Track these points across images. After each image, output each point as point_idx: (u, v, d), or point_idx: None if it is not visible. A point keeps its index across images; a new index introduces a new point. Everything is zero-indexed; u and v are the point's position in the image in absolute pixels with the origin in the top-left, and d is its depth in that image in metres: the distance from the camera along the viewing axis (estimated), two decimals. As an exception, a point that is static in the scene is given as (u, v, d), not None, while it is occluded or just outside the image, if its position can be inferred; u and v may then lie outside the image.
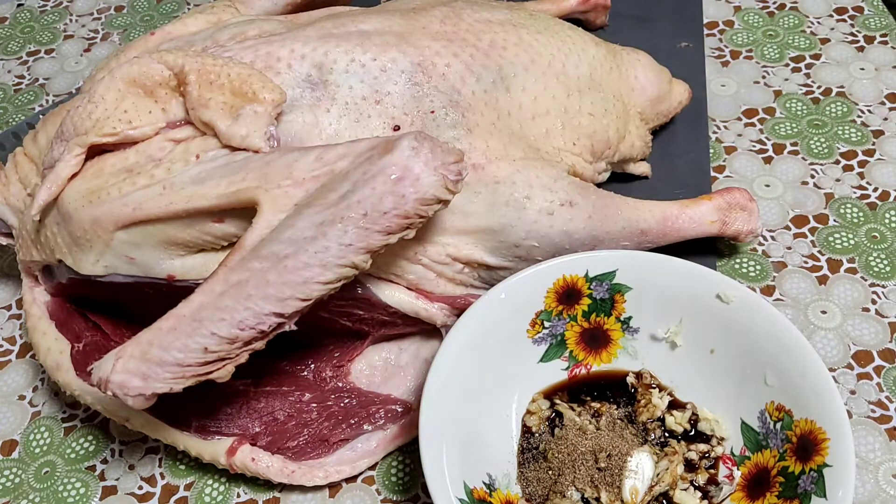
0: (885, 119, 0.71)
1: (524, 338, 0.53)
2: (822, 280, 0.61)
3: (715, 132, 0.71)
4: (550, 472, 0.50)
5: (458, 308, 0.53)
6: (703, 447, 0.50)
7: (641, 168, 0.65)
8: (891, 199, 0.65)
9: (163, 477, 0.54)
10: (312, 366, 0.56)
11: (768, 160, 0.69)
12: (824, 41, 0.77)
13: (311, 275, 0.44)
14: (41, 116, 0.71)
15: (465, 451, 0.47)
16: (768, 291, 0.60)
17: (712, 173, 0.67)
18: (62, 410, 0.58)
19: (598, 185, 0.60)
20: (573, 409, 0.52)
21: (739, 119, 0.72)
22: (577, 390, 0.54)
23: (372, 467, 0.53)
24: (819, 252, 0.62)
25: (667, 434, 0.51)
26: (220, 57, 0.51)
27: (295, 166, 0.47)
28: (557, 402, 0.53)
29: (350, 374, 0.56)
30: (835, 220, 0.64)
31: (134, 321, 0.55)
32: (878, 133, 0.70)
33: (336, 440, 0.53)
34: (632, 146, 0.62)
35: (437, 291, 0.53)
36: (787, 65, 0.75)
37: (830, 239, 0.63)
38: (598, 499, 0.48)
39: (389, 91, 0.52)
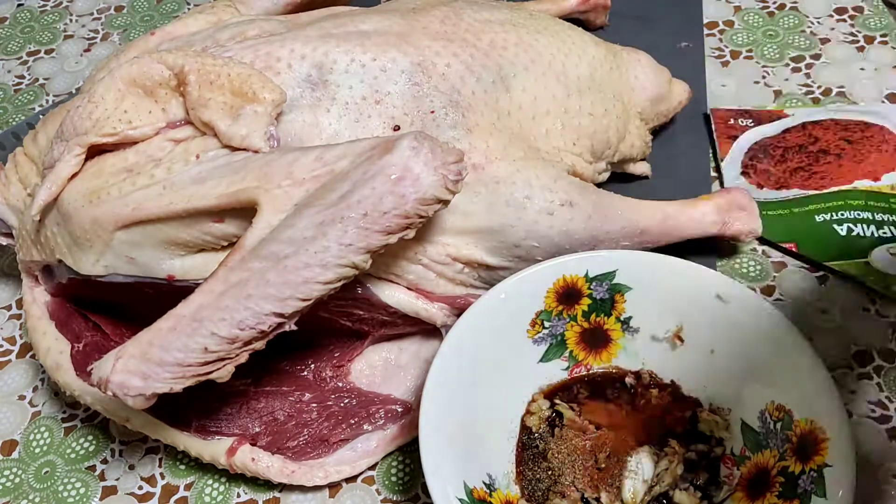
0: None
1: (524, 338, 0.53)
2: (822, 280, 0.61)
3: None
4: (550, 473, 0.50)
5: (458, 308, 0.53)
6: (703, 447, 0.50)
7: (641, 168, 0.65)
8: (891, 199, 0.65)
9: (163, 477, 0.54)
10: (312, 366, 0.56)
11: (768, 160, 0.69)
12: (824, 41, 0.77)
13: (311, 275, 0.44)
14: (41, 116, 0.70)
15: (465, 451, 0.47)
16: (768, 291, 0.60)
17: (712, 173, 0.67)
18: (62, 410, 0.58)
19: (598, 185, 0.60)
20: (573, 410, 0.52)
21: (739, 119, 0.72)
22: (577, 390, 0.54)
23: (372, 467, 0.53)
24: (819, 252, 0.62)
25: (666, 434, 0.51)
26: (220, 57, 0.51)
27: (295, 166, 0.46)
28: (557, 402, 0.53)
29: (350, 374, 0.56)
30: (835, 220, 0.64)
31: (134, 321, 0.55)
32: (878, 133, 0.70)
33: (336, 440, 0.53)
34: (632, 146, 0.62)
35: (437, 291, 0.53)
36: (787, 65, 0.75)
37: (830, 239, 0.63)
38: (598, 499, 0.48)
39: (389, 91, 0.52)
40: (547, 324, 0.53)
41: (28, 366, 0.61)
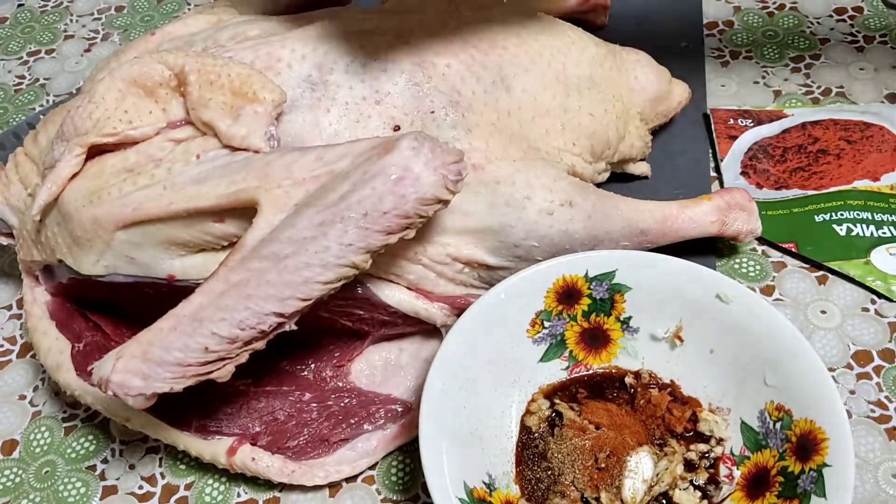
0: (885, 119, 0.71)
1: (524, 338, 0.53)
2: (822, 280, 0.61)
3: (715, 132, 0.71)
4: (550, 472, 0.50)
5: (458, 308, 0.53)
6: (702, 447, 0.50)
7: (641, 168, 0.65)
8: (890, 199, 0.65)
9: (163, 476, 0.54)
10: (312, 365, 0.56)
11: (768, 160, 0.69)
12: (824, 41, 0.77)
13: (312, 274, 0.44)
14: (42, 116, 0.71)
15: (464, 451, 0.47)
16: (768, 291, 0.60)
17: (712, 173, 0.67)
18: (62, 410, 0.58)
19: (598, 185, 0.60)
20: (573, 409, 0.52)
21: (739, 119, 0.72)
22: (576, 390, 0.54)
23: (372, 467, 0.53)
24: (819, 252, 0.62)
25: (667, 434, 0.51)
26: (220, 57, 0.51)
27: (295, 166, 0.47)
28: (557, 401, 0.53)
29: (350, 373, 0.56)
30: (834, 220, 0.64)
31: (134, 321, 0.55)
32: (878, 133, 0.70)
33: (336, 440, 0.53)
34: (631, 146, 0.62)
35: (437, 291, 0.53)
36: (786, 65, 0.75)
37: (830, 239, 0.63)
38: (597, 499, 0.48)
39: (389, 91, 0.52)
40: (547, 324, 0.53)
41: (28, 365, 0.61)
